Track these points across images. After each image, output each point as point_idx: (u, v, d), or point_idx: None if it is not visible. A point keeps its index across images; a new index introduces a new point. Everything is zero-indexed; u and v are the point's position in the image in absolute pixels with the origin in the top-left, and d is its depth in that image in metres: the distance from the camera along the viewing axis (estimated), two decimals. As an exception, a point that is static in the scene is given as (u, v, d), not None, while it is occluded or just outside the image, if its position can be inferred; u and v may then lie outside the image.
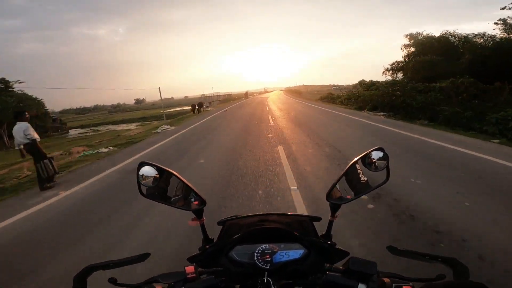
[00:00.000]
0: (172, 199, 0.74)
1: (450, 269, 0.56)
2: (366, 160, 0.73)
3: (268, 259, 0.61)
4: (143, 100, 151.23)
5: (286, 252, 0.63)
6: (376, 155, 0.73)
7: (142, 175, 0.71)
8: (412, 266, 1.57)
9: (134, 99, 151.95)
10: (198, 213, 0.74)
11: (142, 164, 0.72)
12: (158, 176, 0.71)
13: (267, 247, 0.64)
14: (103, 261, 0.60)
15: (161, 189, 0.74)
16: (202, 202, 0.73)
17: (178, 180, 0.73)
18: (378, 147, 0.73)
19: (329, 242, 0.68)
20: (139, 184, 0.72)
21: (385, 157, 0.72)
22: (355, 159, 0.73)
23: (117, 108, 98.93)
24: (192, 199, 0.74)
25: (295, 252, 0.63)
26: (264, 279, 0.57)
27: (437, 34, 21.29)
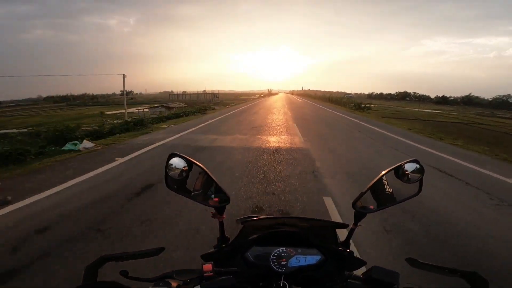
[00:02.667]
0: (195, 193, 0.71)
1: (468, 284, 0.54)
2: (399, 171, 0.69)
3: (284, 263, 0.62)
4: (130, 92, 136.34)
5: (303, 257, 0.63)
6: (410, 167, 0.68)
7: (171, 165, 0.69)
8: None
9: (121, 90, 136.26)
10: (220, 210, 0.71)
11: (172, 155, 0.69)
12: (186, 168, 0.69)
13: (284, 250, 0.64)
14: (116, 253, 0.57)
15: (187, 182, 0.71)
16: (225, 200, 0.70)
17: (205, 175, 0.70)
18: (413, 159, 0.70)
19: (348, 250, 0.67)
20: (166, 174, 0.70)
21: (420, 170, 0.69)
22: (387, 170, 0.70)
23: (94, 100, 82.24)
24: (213, 196, 0.71)
25: (311, 258, 0.63)
26: (280, 283, 0.56)
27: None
